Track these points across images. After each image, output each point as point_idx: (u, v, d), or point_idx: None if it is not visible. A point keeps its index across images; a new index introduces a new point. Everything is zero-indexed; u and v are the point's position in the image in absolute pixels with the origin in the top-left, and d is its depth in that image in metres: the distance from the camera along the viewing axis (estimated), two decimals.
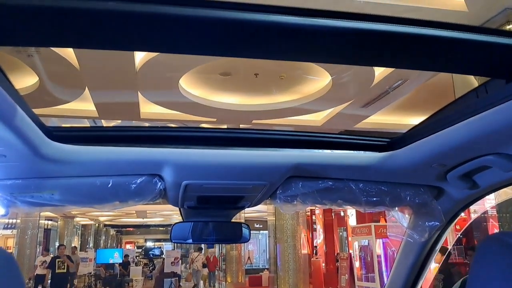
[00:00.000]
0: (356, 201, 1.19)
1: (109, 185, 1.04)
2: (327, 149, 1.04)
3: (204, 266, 13.83)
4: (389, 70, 5.64)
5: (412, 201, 1.18)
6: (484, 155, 0.91)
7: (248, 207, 1.32)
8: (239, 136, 1.03)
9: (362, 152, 1.05)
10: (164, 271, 12.78)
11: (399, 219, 1.26)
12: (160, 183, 1.07)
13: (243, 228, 1.43)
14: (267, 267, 16.44)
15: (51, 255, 11.20)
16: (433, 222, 1.23)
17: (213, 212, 1.38)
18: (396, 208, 1.28)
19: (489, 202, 5.61)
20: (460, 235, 7.06)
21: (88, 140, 0.94)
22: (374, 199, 1.17)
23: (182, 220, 1.42)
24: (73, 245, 16.63)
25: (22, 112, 0.75)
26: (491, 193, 1.14)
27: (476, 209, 6.59)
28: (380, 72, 5.82)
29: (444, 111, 0.88)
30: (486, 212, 6.60)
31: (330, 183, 1.15)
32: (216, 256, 16.67)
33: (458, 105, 0.83)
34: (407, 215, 1.32)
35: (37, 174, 0.98)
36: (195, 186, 1.09)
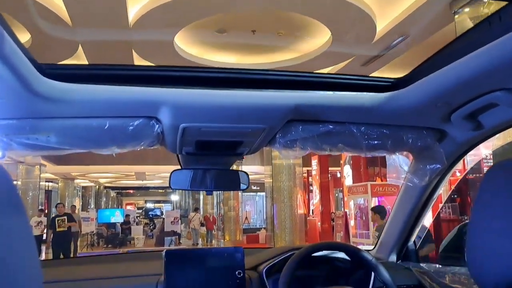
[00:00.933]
0: (357, 145, 1.18)
1: (106, 127, 1.02)
2: (328, 90, 1.01)
3: (202, 225, 14.21)
4: (391, 25, 5.51)
5: (414, 144, 1.17)
6: (492, 91, 0.89)
7: (247, 153, 1.31)
8: (238, 77, 1.00)
9: (365, 93, 1.02)
10: (165, 230, 13.09)
11: (400, 163, 1.26)
12: (157, 125, 1.05)
13: (242, 175, 1.43)
14: (264, 226, 16.82)
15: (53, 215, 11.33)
16: (434, 165, 1.22)
17: (212, 160, 1.37)
18: (397, 153, 1.27)
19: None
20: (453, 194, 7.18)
21: (82, 79, 0.91)
22: (376, 142, 1.16)
23: (180, 168, 1.41)
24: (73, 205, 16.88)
25: (12, 44, 0.72)
26: (495, 134, 1.12)
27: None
28: (381, 28, 5.68)
29: (453, 45, 0.85)
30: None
31: (331, 126, 1.13)
32: (215, 216, 17.05)
33: (469, 37, 0.80)
34: (408, 159, 1.31)
35: (31, 114, 0.96)
36: (193, 129, 1.07)
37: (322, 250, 1.49)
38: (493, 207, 0.57)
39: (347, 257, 1.58)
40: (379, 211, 5.62)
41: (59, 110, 0.95)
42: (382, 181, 9.54)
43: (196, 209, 15.49)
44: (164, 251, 1.42)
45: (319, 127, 1.13)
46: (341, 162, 12.22)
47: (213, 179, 1.41)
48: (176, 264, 1.40)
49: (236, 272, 1.43)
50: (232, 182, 1.44)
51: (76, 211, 13.05)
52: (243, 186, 1.41)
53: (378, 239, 1.76)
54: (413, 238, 1.67)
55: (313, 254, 1.47)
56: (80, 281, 1.42)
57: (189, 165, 1.39)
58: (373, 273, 1.50)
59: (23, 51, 0.77)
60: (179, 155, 1.33)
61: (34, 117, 0.97)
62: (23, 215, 0.43)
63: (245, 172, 1.44)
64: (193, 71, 1.01)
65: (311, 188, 15.11)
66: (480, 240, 0.58)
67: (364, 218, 8.97)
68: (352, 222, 9.55)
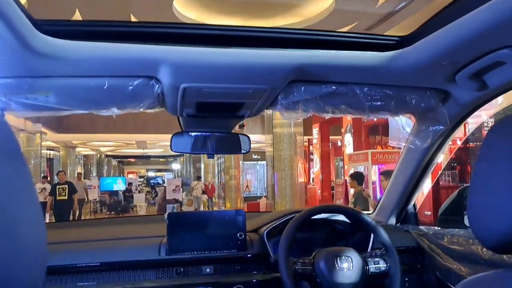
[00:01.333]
0: (360, 107, 1.16)
1: (105, 87, 1.00)
2: (332, 49, 0.99)
3: (203, 193, 14.45)
4: None
5: (417, 106, 1.16)
6: (498, 49, 0.87)
7: (248, 116, 1.30)
8: (240, 35, 0.97)
9: (369, 52, 1.00)
10: (166, 198, 13.26)
11: (402, 125, 1.25)
12: (157, 86, 1.03)
13: (243, 138, 1.42)
14: (264, 195, 17.02)
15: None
16: (437, 127, 1.21)
17: (213, 123, 1.36)
18: (400, 115, 1.26)
19: None
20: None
21: (80, 35, 0.89)
22: (379, 103, 1.15)
23: (181, 131, 1.41)
24: (76, 174, 17.01)
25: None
26: (500, 95, 1.11)
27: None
28: None
29: (459, 1, 0.82)
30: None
31: (334, 87, 1.11)
32: (215, 184, 17.25)
33: None
34: (410, 121, 1.30)
35: (28, 72, 0.94)
36: (193, 90, 1.05)
37: (322, 213, 1.51)
38: (497, 162, 0.56)
39: (346, 220, 1.61)
40: (356, 177, 5.61)
41: (56, 68, 0.93)
42: (382, 149, 9.57)
43: (199, 178, 15.74)
44: (167, 213, 1.44)
45: (322, 88, 1.11)
46: (342, 130, 12.21)
47: (214, 143, 1.40)
48: (178, 226, 1.42)
49: (238, 234, 1.45)
50: (233, 145, 1.43)
51: (82, 178, 13.08)
52: (244, 150, 1.41)
53: (378, 203, 1.78)
54: (413, 201, 1.69)
55: (313, 217, 1.49)
56: (84, 242, 1.44)
57: (190, 128, 1.38)
58: (372, 235, 1.52)
59: (19, 7, 0.75)
60: (180, 118, 1.32)
61: (32, 75, 0.95)
62: (23, 164, 0.42)
63: (246, 136, 1.43)
64: (193, 28, 0.98)
65: (311, 156, 15.18)
66: (482, 196, 0.57)
67: (363, 186, 9.04)
68: (352, 191, 9.64)
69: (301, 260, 1.33)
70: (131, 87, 1.01)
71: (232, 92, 1.09)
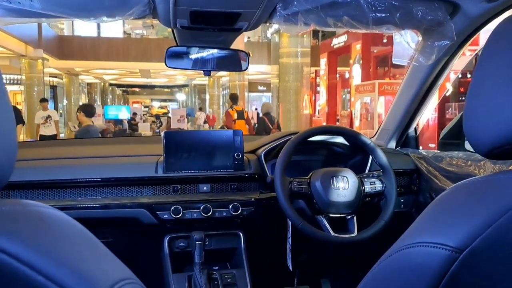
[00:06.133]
0: (363, 19, 1.09)
1: None
2: None
3: (205, 122, 14.84)
4: None
5: (424, 19, 1.08)
6: None
7: (246, 29, 1.23)
8: None
9: None
10: (171, 127, 13.40)
11: (407, 40, 1.18)
12: None
13: (242, 54, 1.36)
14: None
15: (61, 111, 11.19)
16: (443, 42, 1.15)
17: (209, 36, 1.29)
18: (405, 29, 1.19)
19: None
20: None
21: None
22: (383, 15, 1.07)
23: (176, 45, 1.34)
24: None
25: None
26: (511, 7, 1.03)
27: None
28: None
29: None
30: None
31: None
32: (215, 115, 17.43)
33: None
34: (416, 37, 1.23)
35: None
36: None
37: (320, 134, 1.49)
38: (497, 64, 0.52)
39: (345, 143, 1.59)
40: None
41: None
42: (390, 79, 9.39)
43: (201, 109, 15.89)
44: (163, 132, 1.43)
45: None
46: (351, 61, 11.90)
47: (211, 58, 1.34)
48: (175, 144, 1.42)
49: (235, 154, 1.45)
50: (232, 62, 1.37)
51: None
52: (243, 66, 1.35)
53: (380, 126, 1.76)
54: (414, 124, 1.66)
55: (311, 139, 1.47)
56: (83, 158, 1.45)
57: (185, 42, 1.32)
58: (370, 158, 1.51)
59: None
60: (175, 31, 1.25)
61: None
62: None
63: (245, 52, 1.37)
64: None
65: (318, 88, 14.98)
66: (479, 98, 0.54)
67: (369, 119, 9.02)
68: (357, 123, 9.64)
69: (297, 180, 1.34)
70: None
71: None
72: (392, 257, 0.52)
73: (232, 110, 7.29)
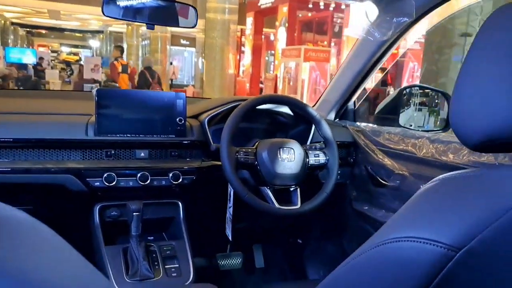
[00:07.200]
0: None
1: None
2: None
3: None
4: None
5: None
6: None
7: None
8: None
9: None
10: (84, 77, 12.34)
11: (366, 13, 1.16)
12: None
13: (190, 9, 1.23)
14: (192, 83, 16.66)
15: None
16: (401, 18, 1.14)
17: None
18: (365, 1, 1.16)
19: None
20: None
21: None
22: None
23: None
24: None
25: None
26: None
27: None
28: None
29: None
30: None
31: None
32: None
33: None
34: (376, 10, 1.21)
35: None
36: None
37: (268, 103, 1.44)
38: (489, 55, 0.50)
39: (289, 112, 1.57)
40: None
41: None
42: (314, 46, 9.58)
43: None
44: (96, 89, 1.26)
45: None
46: (277, 23, 11.87)
47: (155, 10, 1.19)
48: (109, 104, 1.26)
49: (177, 119, 1.34)
50: (176, 15, 1.23)
51: None
52: (191, 22, 1.22)
53: (320, 97, 1.76)
54: (354, 98, 1.69)
55: (257, 107, 1.42)
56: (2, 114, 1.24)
57: None
58: (312, 129, 1.51)
59: None
60: None
61: None
62: None
63: (193, 7, 1.24)
64: None
65: (243, 48, 14.81)
66: (469, 87, 0.52)
67: (292, 83, 9.19)
68: (280, 86, 9.77)
69: (243, 150, 1.29)
70: None
71: None
72: (374, 250, 0.49)
73: (117, 62, 7.30)
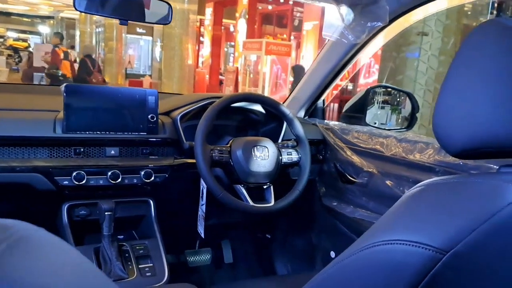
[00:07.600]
0: None
1: None
2: None
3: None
4: None
5: None
6: None
7: None
8: None
9: None
10: (34, 65, 11.67)
11: (342, 15, 1.19)
12: None
13: (164, 6, 1.21)
14: (148, 73, 16.23)
15: None
16: (375, 22, 1.18)
17: None
18: (340, 5, 1.19)
19: None
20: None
21: None
22: None
23: None
24: None
25: None
26: None
27: None
28: None
29: None
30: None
31: None
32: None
33: None
34: (351, 13, 1.24)
35: None
36: None
37: (243, 101, 1.45)
38: (471, 68, 0.54)
39: (261, 110, 1.58)
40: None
41: None
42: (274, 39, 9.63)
43: (72, 47, 14.09)
44: (64, 84, 1.21)
45: None
46: (237, 15, 11.81)
47: (129, 6, 1.16)
48: (78, 100, 1.22)
49: (149, 116, 1.31)
50: (150, 12, 1.21)
51: None
52: (165, 19, 1.20)
53: (290, 94, 1.79)
54: (323, 96, 1.73)
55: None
56: None
57: None
58: (284, 127, 1.54)
59: None
60: None
61: None
62: None
63: (168, 3, 1.21)
64: None
65: (202, 39, 14.61)
66: (452, 96, 0.55)
67: (252, 76, 9.19)
68: (240, 78, 9.75)
69: (218, 148, 1.29)
70: None
71: None
72: (363, 252, 0.50)
73: (59, 49, 7.71)
